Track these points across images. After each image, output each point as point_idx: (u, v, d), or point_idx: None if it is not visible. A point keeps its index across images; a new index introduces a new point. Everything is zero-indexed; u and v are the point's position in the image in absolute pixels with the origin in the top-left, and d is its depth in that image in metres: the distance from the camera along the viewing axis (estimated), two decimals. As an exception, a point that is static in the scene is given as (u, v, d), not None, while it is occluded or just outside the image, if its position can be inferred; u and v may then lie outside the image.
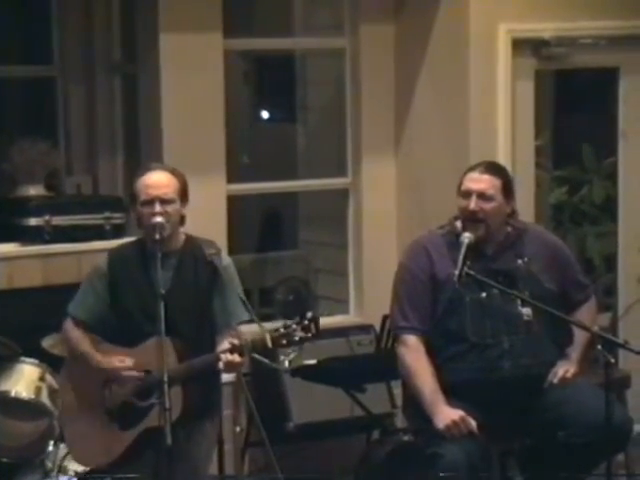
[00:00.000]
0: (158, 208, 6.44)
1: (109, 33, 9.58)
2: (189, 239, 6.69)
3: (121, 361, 6.55)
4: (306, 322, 6.37)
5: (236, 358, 6.38)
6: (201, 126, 8.94)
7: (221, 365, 6.42)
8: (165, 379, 6.06)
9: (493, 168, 7.09)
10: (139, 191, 6.55)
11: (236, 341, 6.39)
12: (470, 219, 6.86)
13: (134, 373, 6.50)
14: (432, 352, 6.93)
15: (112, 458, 6.67)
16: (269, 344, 6.48)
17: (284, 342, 6.42)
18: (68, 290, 6.90)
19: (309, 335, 6.43)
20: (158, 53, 8.87)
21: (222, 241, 8.47)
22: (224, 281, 6.63)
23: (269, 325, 7.00)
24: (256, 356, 7.04)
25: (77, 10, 9.55)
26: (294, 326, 6.38)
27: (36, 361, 7.71)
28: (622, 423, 6.89)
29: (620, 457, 7.55)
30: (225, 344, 6.42)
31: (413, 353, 6.96)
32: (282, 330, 6.38)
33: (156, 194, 6.46)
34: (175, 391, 6.24)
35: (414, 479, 7.15)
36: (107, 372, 6.56)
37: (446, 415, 6.71)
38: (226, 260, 6.84)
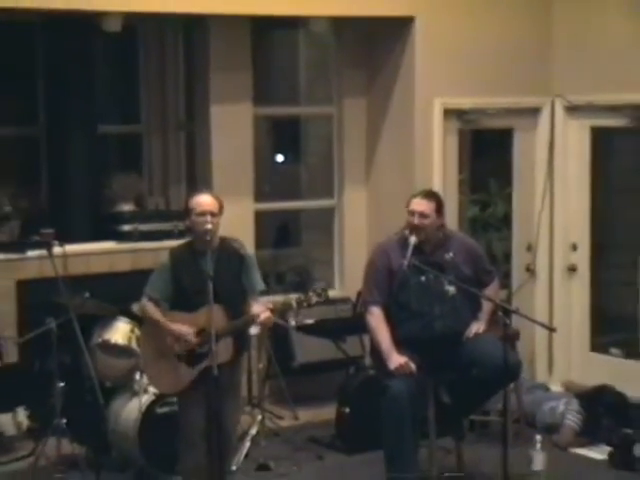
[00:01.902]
0: (209, 219, 6.55)
1: (177, 100, 9.46)
2: (223, 239, 6.68)
3: (184, 329, 6.62)
4: (320, 291, 6.52)
5: (271, 317, 6.52)
6: (237, 165, 8.86)
7: (259, 321, 6.47)
8: (214, 334, 6.11)
9: (429, 195, 7.13)
10: (195, 206, 6.61)
11: (271, 305, 6.51)
12: (414, 229, 6.89)
13: (192, 338, 6.56)
14: (389, 317, 6.93)
15: (181, 387, 6.73)
16: (294, 306, 6.61)
17: (305, 305, 6.55)
18: (148, 273, 6.95)
19: (321, 300, 6.56)
20: (209, 116, 8.82)
21: (250, 240, 8.54)
22: (248, 265, 6.60)
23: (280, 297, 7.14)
24: (275, 319, 7.14)
25: (156, 83, 9.41)
26: (311, 294, 6.53)
27: (128, 319, 7.64)
28: (514, 363, 6.99)
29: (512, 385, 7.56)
30: (256, 307, 6.43)
31: (376, 318, 6.96)
32: (303, 297, 6.53)
33: (208, 209, 6.55)
34: (226, 341, 6.29)
35: (374, 401, 7.22)
36: (174, 333, 6.63)
37: (395, 360, 6.74)
38: (248, 251, 6.79)
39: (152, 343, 6.82)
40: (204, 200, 6.60)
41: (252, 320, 6.48)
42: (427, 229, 6.95)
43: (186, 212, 6.69)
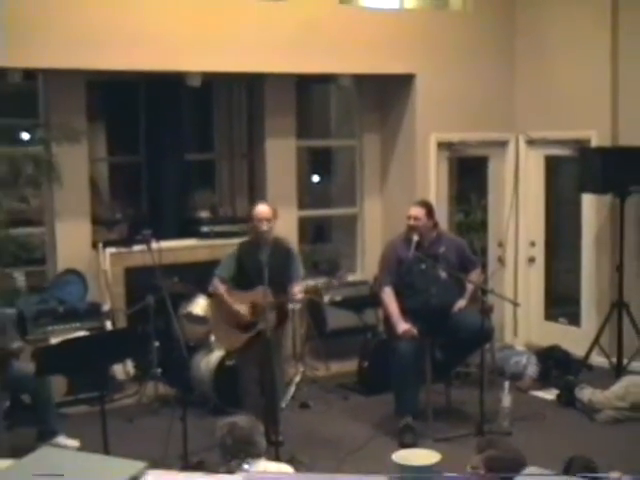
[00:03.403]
0: (264, 223, 6.62)
1: (240, 135, 9.31)
2: (277, 238, 6.71)
3: (240, 308, 6.69)
4: (339, 279, 6.62)
5: (303, 297, 6.60)
6: (285, 183, 8.85)
7: (295, 300, 6.59)
8: (267, 308, 6.19)
9: (421, 203, 7.15)
10: (255, 214, 6.67)
11: (304, 288, 6.56)
12: (410, 229, 6.92)
13: (245, 314, 6.62)
14: (397, 295, 6.92)
15: (237, 346, 6.76)
16: (321, 289, 6.69)
17: (331, 287, 6.66)
18: (219, 262, 7.01)
19: (341, 284, 6.77)
20: (264, 147, 8.83)
21: (295, 238, 8.57)
22: (293, 258, 6.70)
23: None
24: (312, 296, 7.20)
25: (225, 123, 9.35)
26: (334, 281, 6.64)
27: (204, 295, 7.54)
28: (489, 329, 7.11)
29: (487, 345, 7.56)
30: (295, 289, 6.51)
31: (388, 295, 6.95)
32: (328, 282, 6.64)
33: (264, 216, 6.61)
34: (273, 313, 6.36)
35: (386, 357, 7.21)
36: (233, 310, 6.68)
37: (402, 326, 6.76)
38: (293, 247, 6.91)
39: (218, 313, 6.90)
40: (261, 209, 6.67)
41: (289, 299, 6.56)
42: (420, 229, 6.92)
43: (249, 218, 6.79)
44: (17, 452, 5.03)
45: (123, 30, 7.49)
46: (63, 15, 7.28)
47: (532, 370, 8.19)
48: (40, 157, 7.74)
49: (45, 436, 6.47)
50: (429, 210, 7.06)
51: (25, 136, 8.24)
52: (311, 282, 7.10)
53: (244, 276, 6.67)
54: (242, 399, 6.79)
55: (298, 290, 6.54)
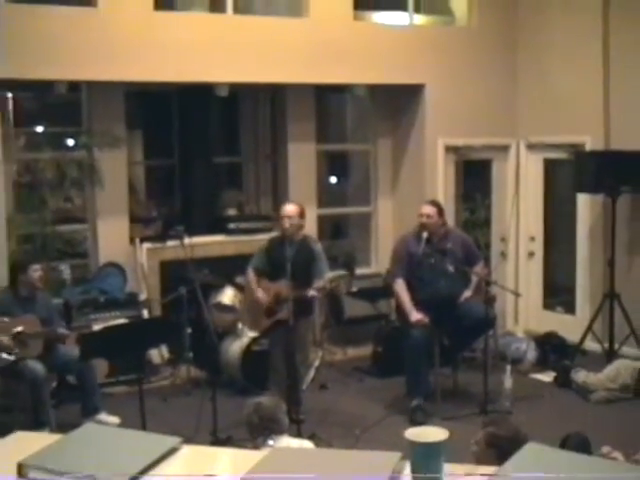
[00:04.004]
0: (287, 221, 6.62)
1: (265, 140, 9.33)
2: (304, 236, 6.70)
3: (262, 296, 6.73)
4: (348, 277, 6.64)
5: (319, 294, 6.58)
6: (305, 183, 8.82)
7: (311, 294, 6.45)
8: (290, 298, 6.18)
9: (432, 202, 7.15)
10: (281, 213, 6.66)
11: (322, 284, 6.51)
12: (423, 226, 6.89)
13: (265, 302, 6.65)
14: (409, 286, 6.88)
15: (262, 329, 6.81)
16: (335, 283, 6.66)
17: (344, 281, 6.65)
18: (247, 257, 6.99)
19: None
20: (287, 151, 8.84)
21: (314, 235, 8.31)
22: (317, 254, 6.64)
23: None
24: (333, 289, 7.19)
25: (251, 129, 9.35)
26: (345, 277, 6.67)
27: (233, 287, 7.66)
28: (492, 317, 7.08)
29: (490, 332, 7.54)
30: (315, 283, 6.46)
31: (400, 286, 6.91)
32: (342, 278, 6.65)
33: (287, 215, 6.61)
34: (292, 304, 6.22)
35: (398, 343, 7.21)
36: (255, 297, 6.70)
37: (414, 315, 6.74)
38: (318, 244, 6.82)
39: (248, 300, 6.94)
40: (285, 208, 6.65)
41: (311, 290, 6.47)
42: (432, 226, 6.90)
43: (277, 216, 6.80)
44: (63, 427, 5.14)
45: (158, 45, 7.56)
46: (104, 32, 7.39)
47: (531, 355, 8.19)
48: (84, 161, 7.88)
49: (88, 413, 6.51)
50: (440, 209, 7.04)
51: (70, 142, 8.28)
52: (328, 276, 7.09)
53: (271, 268, 6.67)
54: (270, 378, 6.80)
55: (317, 286, 6.48)
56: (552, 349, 8.23)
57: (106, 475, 2.24)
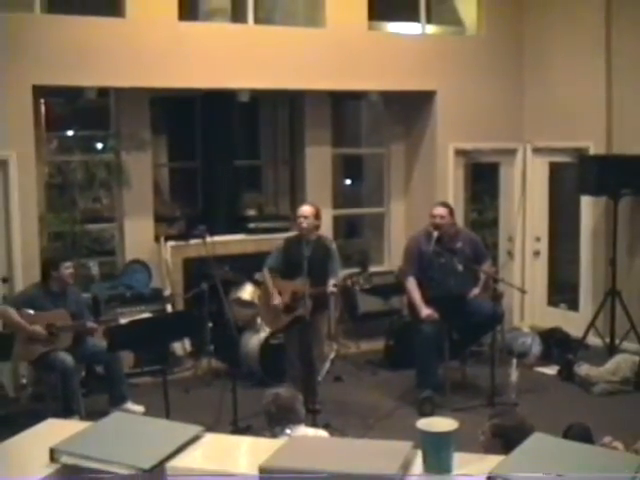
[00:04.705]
0: (303, 221, 6.62)
1: (284, 144, 9.31)
2: (320, 235, 6.65)
3: (277, 296, 6.69)
4: (364, 278, 6.58)
5: (335, 291, 6.53)
6: (321, 185, 8.82)
7: (330, 291, 6.44)
8: (306, 295, 6.20)
9: (444, 204, 7.13)
10: (298, 213, 6.66)
11: (337, 282, 6.48)
12: (435, 227, 6.85)
13: (278, 301, 6.61)
14: (420, 284, 6.87)
15: (279, 326, 6.80)
16: (349, 282, 6.60)
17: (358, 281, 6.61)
18: (266, 255, 7.00)
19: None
20: (304, 155, 8.84)
21: (330, 234, 8.36)
22: (332, 254, 6.61)
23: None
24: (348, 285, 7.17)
25: (270, 133, 9.36)
26: (359, 278, 6.60)
27: (252, 284, 7.62)
28: (499, 313, 7.02)
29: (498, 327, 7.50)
30: (330, 282, 6.40)
31: (412, 284, 6.89)
32: (355, 279, 6.56)
33: (303, 215, 6.61)
34: (310, 301, 6.25)
35: (409, 337, 7.20)
36: (270, 296, 6.72)
37: (425, 311, 6.73)
38: (333, 244, 6.80)
39: (264, 298, 6.92)
40: (302, 209, 6.64)
41: (328, 288, 6.42)
42: (443, 227, 6.89)
43: (294, 216, 6.80)
44: (91, 415, 5.16)
45: (182, 53, 7.59)
46: (131, 42, 7.44)
47: (536, 349, 8.16)
48: (111, 163, 7.93)
49: (116, 402, 6.53)
50: (451, 210, 7.04)
51: (99, 145, 8.31)
52: (343, 273, 7.07)
53: (288, 267, 6.64)
54: (287, 370, 6.78)
55: (332, 284, 6.43)
56: (556, 344, 8.19)
57: (133, 460, 2.25)
